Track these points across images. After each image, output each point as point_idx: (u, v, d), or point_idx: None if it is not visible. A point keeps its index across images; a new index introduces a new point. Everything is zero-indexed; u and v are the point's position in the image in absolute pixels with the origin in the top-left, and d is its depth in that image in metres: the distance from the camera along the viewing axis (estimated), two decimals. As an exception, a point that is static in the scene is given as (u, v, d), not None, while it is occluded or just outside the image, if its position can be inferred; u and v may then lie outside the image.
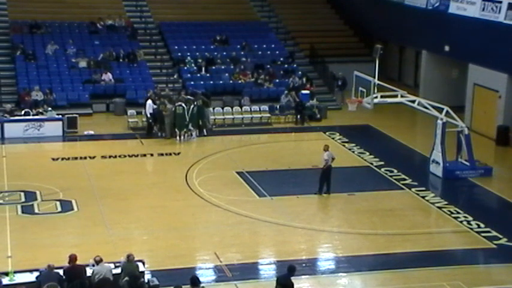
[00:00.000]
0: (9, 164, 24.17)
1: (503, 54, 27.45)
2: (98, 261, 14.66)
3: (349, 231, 19.28)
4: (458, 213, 20.58)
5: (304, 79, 33.21)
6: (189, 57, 33.99)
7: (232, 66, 34.01)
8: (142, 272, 15.16)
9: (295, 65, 34.75)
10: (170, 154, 25.89)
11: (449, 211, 20.75)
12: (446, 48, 31.06)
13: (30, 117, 27.94)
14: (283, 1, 39.54)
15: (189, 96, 28.46)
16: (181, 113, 27.11)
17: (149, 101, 28.09)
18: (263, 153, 26.41)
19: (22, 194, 21.28)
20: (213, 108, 29.80)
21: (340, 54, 35.70)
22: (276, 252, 18.15)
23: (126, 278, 14.56)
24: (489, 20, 28.05)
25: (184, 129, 27.22)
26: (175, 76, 33.54)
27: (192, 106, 27.45)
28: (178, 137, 27.22)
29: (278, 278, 14.56)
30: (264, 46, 35.92)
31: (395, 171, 24.11)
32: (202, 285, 14.17)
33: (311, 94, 31.76)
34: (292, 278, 14.29)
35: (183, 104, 27.37)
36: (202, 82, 32.80)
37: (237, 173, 23.61)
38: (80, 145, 27.02)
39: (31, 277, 14.65)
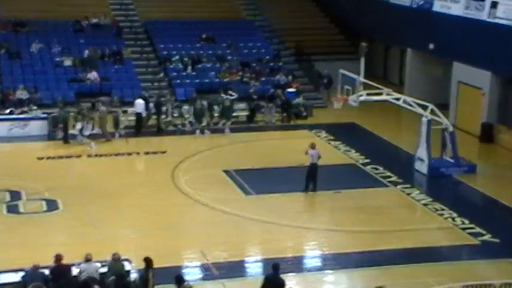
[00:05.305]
0: (-5, 164, 24.07)
1: (486, 52, 27.61)
2: (88, 260, 14.64)
3: (335, 229, 19.35)
4: (443, 210, 20.73)
5: (290, 77, 33.26)
6: (177, 56, 33.84)
7: (218, 65, 33.99)
8: (129, 271, 15.16)
9: (281, 63, 34.79)
10: (156, 153, 25.86)
11: (435, 208, 20.89)
12: (431, 46, 31.19)
13: (15, 116, 27.80)
14: (269, -1, 39.62)
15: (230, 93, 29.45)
16: (200, 107, 28.13)
17: (139, 100, 27.99)
18: (249, 151, 26.43)
19: (7, 193, 21.17)
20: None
21: (326, 52, 35.80)
22: (262, 250, 18.21)
23: (113, 277, 14.57)
24: (473, 18, 28.24)
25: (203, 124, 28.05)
26: (161, 75, 33.48)
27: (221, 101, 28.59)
28: (199, 132, 27.93)
29: (266, 277, 14.52)
30: (250, 44, 35.92)
31: (381, 168, 24.23)
32: (187, 282, 14.15)
33: (297, 92, 31.82)
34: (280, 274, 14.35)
35: (204, 101, 28.48)
36: (188, 81, 32.78)
37: (224, 171, 23.62)
38: (66, 144, 26.88)
39: (16, 277, 14.57)
